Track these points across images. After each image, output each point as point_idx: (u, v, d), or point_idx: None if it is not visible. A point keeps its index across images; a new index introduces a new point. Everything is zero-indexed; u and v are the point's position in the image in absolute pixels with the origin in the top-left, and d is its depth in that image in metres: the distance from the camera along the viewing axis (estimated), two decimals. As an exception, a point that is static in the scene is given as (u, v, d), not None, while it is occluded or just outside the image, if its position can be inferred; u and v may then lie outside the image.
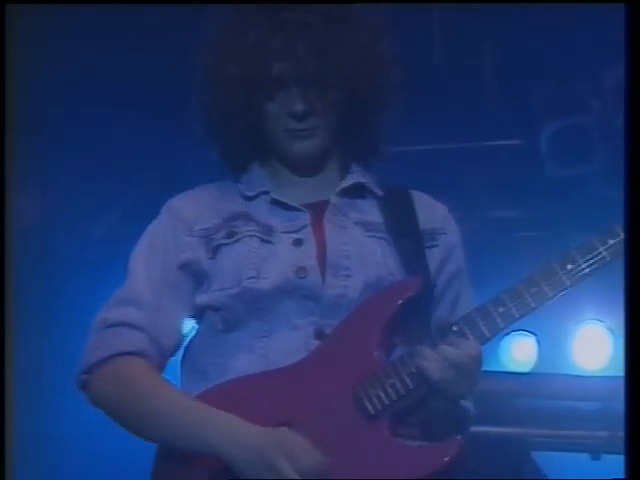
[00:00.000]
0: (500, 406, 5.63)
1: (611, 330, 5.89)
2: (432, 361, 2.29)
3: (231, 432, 2.28)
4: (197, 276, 2.47)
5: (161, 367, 2.46)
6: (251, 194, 2.54)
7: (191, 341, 2.50)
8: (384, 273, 2.44)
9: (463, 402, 2.45)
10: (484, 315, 2.33)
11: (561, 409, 5.64)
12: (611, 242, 2.32)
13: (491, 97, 5.58)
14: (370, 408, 2.31)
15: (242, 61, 2.43)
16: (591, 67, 5.37)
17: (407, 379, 2.32)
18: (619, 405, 5.58)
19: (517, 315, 2.34)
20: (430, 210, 2.58)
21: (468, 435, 2.48)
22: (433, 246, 2.53)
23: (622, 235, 2.31)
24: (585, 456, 5.57)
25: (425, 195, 2.63)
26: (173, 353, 2.48)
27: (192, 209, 2.53)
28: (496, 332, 2.34)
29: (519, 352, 5.99)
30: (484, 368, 2.35)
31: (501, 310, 2.33)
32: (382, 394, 2.31)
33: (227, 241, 2.46)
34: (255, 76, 2.43)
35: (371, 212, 2.54)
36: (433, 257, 2.51)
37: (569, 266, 2.33)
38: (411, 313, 2.39)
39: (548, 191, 5.70)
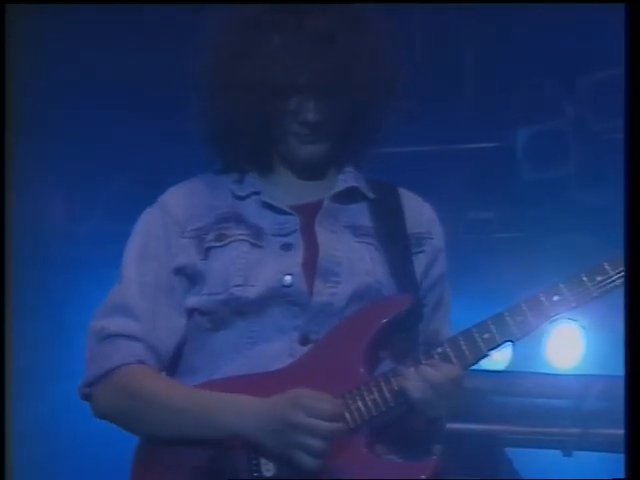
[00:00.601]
0: (475, 403, 5.67)
1: (584, 329, 5.98)
2: (413, 381, 2.32)
3: (249, 410, 2.31)
4: (192, 278, 2.47)
5: (162, 371, 2.48)
6: (242, 194, 2.53)
7: (180, 338, 2.51)
8: (372, 281, 2.44)
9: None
10: (469, 340, 2.36)
11: (534, 407, 5.70)
12: (599, 279, 2.35)
13: (469, 100, 5.63)
14: (350, 421, 2.32)
15: (264, 67, 2.41)
16: (567, 72, 5.42)
17: (388, 396, 2.34)
18: (591, 403, 5.68)
19: (500, 342, 2.36)
20: (417, 213, 2.58)
21: (442, 445, 2.50)
22: (420, 252, 2.54)
23: (610, 273, 2.34)
24: (557, 453, 5.63)
25: (413, 195, 2.63)
26: (173, 356, 2.49)
27: (184, 207, 2.52)
28: (479, 357, 2.37)
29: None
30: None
31: (486, 336, 2.35)
32: (363, 409, 2.33)
33: (217, 244, 2.46)
34: (276, 82, 2.41)
35: (361, 216, 2.53)
36: (419, 263, 2.52)
37: (555, 298, 2.36)
38: (399, 329, 2.41)
39: (525, 193, 5.76)
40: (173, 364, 2.51)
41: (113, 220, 5.50)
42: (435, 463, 2.33)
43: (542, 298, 2.36)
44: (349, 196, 2.55)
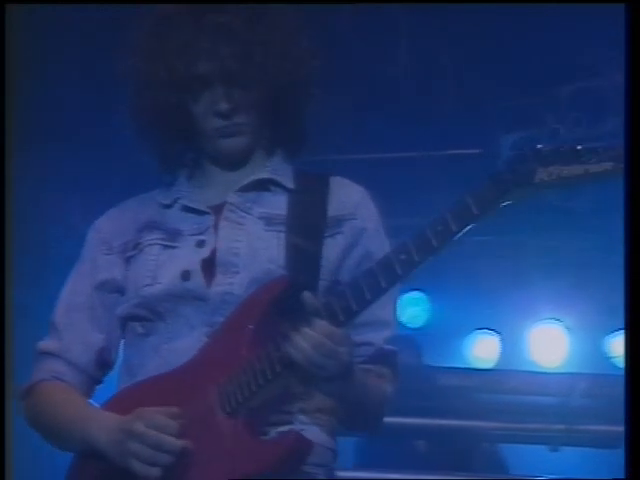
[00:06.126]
0: (463, 400, 5.79)
1: (568, 329, 6.13)
2: (296, 345, 2.30)
3: (104, 424, 2.42)
4: (117, 290, 2.60)
5: (86, 383, 2.60)
6: (167, 202, 2.63)
7: (124, 345, 2.63)
8: (274, 267, 2.46)
9: (380, 386, 2.51)
10: (354, 289, 2.32)
11: (521, 404, 5.85)
12: (439, 229, 2.29)
13: (453, 107, 5.74)
14: (227, 406, 2.37)
15: (168, 64, 2.50)
16: (548, 83, 5.52)
17: (259, 376, 2.35)
18: (576, 400, 5.82)
19: (384, 286, 2.30)
20: (344, 196, 2.58)
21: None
22: (337, 233, 2.53)
23: (451, 224, 2.29)
24: (544, 448, 5.80)
25: (345, 180, 2.63)
26: (97, 368, 2.61)
27: (113, 226, 2.64)
28: (364, 306, 2.31)
29: (482, 349, 6.18)
30: (451, 364, 2.41)
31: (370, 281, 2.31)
32: (237, 392, 2.36)
33: (133, 253, 2.58)
34: (181, 77, 2.50)
35: (277, 205, 2.56)
36: (336, 244, 2.52)
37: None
38: (281, 310, 2.41)
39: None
40: (122, 368, 2.62)
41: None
42: (292, 437, 2.35)
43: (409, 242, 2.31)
44: (263, 187, 2.60)
